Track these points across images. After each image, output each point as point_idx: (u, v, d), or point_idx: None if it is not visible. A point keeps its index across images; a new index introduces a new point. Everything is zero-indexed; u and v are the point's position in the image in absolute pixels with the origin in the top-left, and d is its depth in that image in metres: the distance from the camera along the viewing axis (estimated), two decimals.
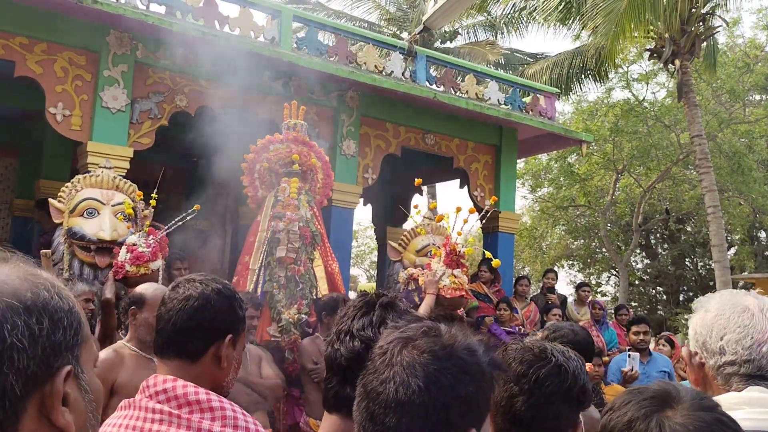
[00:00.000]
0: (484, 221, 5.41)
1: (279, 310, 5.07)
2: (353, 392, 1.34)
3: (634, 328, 6.03)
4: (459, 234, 5.21)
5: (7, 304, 0.82)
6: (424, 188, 11.18)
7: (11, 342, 0.80)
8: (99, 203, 5.55)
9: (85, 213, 5.47)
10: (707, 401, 1.10)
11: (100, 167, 5.95)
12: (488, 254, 5.63)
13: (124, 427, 1.63)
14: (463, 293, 5.16)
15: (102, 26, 6.28)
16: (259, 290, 5.17)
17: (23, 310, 0.83)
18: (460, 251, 5.13)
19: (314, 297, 5.33)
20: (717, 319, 1.54)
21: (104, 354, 3.04)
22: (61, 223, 5.49)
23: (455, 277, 5.05)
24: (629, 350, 6.00)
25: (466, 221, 5.20)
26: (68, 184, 5.68)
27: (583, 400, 1.48)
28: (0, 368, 0.79)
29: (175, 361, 1.71)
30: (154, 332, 2.92)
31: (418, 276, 5.50)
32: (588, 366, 2.55)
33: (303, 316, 5.10)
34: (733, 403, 1.43)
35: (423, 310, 4.26)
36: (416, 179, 6.26)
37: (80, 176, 5.76)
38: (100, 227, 5.41)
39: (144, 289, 3.12)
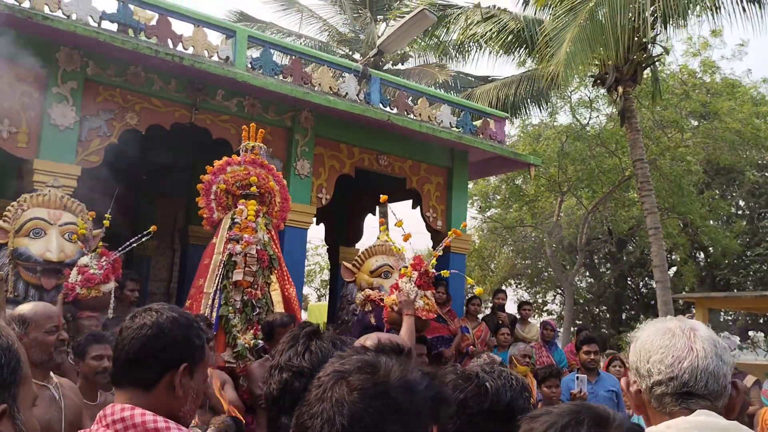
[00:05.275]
0: (448, 242, 5.34)
1: (234, 335, 4.92)
2: (288, 420, 1.36)
3: (584, 348, 6.16)
4: (436, 256, 5.18)
5: None
6: (377, 208, 11.23)
7: None
8: (46, 223, 5.41)
9: (31, 233, 5.32)
10: (636, 426, 1.13)
11: (47, 186, 5.79)
12: (445, 273, 5.60)
13: None
14: (434, 316, 5.14)
15: (52, 43, 6.16)
16: (213, 314, 5.01)
17: None
18: (431, 273, 5.11)
19: (265, 323, 5.19)
20: (644, 344, 1.62)
21: None
22: (5, 244, 5.32)
23: (427, 298, 5.01)
24: (578, 371, 6.12)
25: (448, 243, 5.17)
26: (14, 203, 5.51)
27: (511, 418, 1.47)
28: None
29: (129, 389, 1.69)
30: (49, 349, 2.86)
31: (376, 297, 5.48)
32: None
33: (259, 341, 4.93)
34: (684, 428, 1.48)
35: (404, 332, 4.21)
36: (381, 195, 6.13)
37: (26, 195, 5.60)
38: (46, 248, 5.27)
39: (22, 309, 2.95)
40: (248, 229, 5.15)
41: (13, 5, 5.73)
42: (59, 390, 2.92)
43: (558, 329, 9.91)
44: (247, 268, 5.04)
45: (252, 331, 4.96)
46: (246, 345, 4.85)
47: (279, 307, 5.33)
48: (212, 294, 5.08)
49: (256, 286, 5.11)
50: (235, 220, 5.24)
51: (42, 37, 6.06)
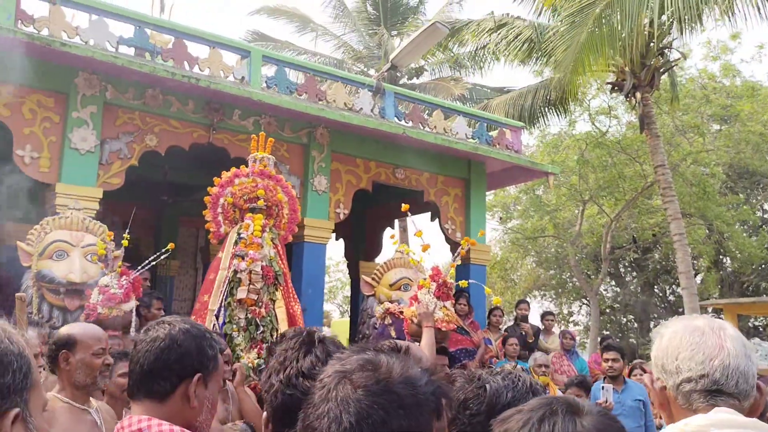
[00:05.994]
0: (466, 253, 5.26)
1: (238, 354, 4.81)
2: None
3: (604, 356, 6.07)
4: (453, 266, 5.13)
5: None
6: (396, 222, 11.26)
7: None
8: (68, 245, 5.50)
9: (54, 255, 5.41)
10: (610, 414, 1.12)
11: (69, 209, 5.89)
12: (463, 283, 5.51)
13: None
14: (455, 326, 5.08)
15: (70, 68, 6.29)
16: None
17: None
18: (449, 284, 5.05)
19: (275, 340, 5.01)
20: (671, 341, 1.61)
21: None
22: (29, 266, 5.42)
23: (447, 309, 4.95)
24: (604, 380, 6.02)
25: (463, 254, 5.10)
26: (37, 226, 5.61)
27: None
28: None
29: (145, 402, 1.72)
30: (94, 372, 2.82)
31: (396, 310, 5.45)
32: None
33: (263, 360, 4.76)
34: (702, 425, 1.47)
35: (424, 344, 4.18)
36: (403, 205, 6.07)
37: (49, 218, 5.70)
38: (69, 269, 5.35)
39: (70, 328, 2.90)
40: (254, 245, 5.06)
41: (32, 33, 5.87)
42: (99, 414, 2.89)
43: (584, 338, 9.78)
44: (251, 286, 4.95)
45: (256, 350, 4.86)
46: (249, 364, 4.72)
47: (283, 325, 5.24)
48: (216, 311, 4.99)
49: (260, 304, 5.02)
50: (241, 235, 5.16)
51: (61, 64, 6.19)
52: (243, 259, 5.02)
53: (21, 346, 0.92)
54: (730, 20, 10.67)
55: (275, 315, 5.21)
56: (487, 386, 1.51)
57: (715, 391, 1.53)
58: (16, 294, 3.47)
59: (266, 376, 1.53)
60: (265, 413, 1.50)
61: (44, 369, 3.69)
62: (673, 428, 1.53)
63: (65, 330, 2.87)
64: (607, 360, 5.97)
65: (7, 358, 0.88)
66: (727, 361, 1.54)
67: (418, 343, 4.23)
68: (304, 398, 1.38)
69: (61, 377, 2.81)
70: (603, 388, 5.61)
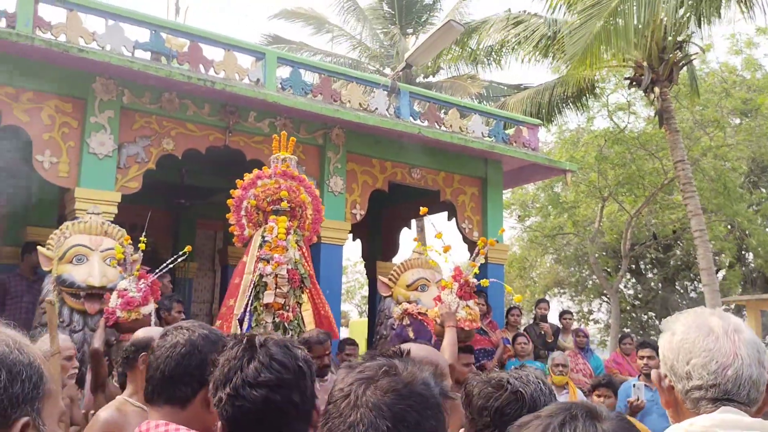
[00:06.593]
0: (483, 252, 5.21)
1: None
2: None
3: (639, 353, 5.98)
4: (473, 265, 5.11)
5: None
6: (413, 222, 11.22)
7: None
8: (88, 249, 5.54)
9: (74, 260, 5.46)
10: (628, 419, 1.11)
11: (88, 213, 5.94)
12: (485, 282, 5.43)
13: None
14: (478, 325, 5.06)
15: (88, 74, 6.35)
16: None
17: None
18: (471, 283, 5.03)
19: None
20: (683, 342, 1.55)
21: (107, 414, 2.70)
22: (50, 271, 5.47)
23: (470, 308, 4.93)
24: (639, 378, 5.93)
25: (483, 253, 5.08)
26: (56, 231, 5.67)
27: None
28: None
29: (165, 407, 1.74)
30: None
31: (414, 311, 5.42)
32: None
33: None
34: (707, 425, 1.44)
35: (446, 344, 4.16)
36: (422, 208, 6.02)
37: (68, 223, 5.75)
38: (89, 273, 5.39)
39: (148, 332, 2.88)
40: (279, 248, 5.02)
41: (50, 40, 5.94)
42: None
43: (605, 336, 9.67)
44: (278, 290, 4.91)
45: None
46: None
47: (310, 327, 5.19)
48: (240, 315, 4.95)
49: (287, 308, 4.97)
50: (266, 239, 5.11)
51: (78, 69, 6.25)
52: (268, 262, 4.97)
53: (32, 356, 0.93)
54: (749, 14, 10.53)
55: (302, 318, 5.18)
56: (522, 391, 1.51)
57: (725, 400, 1.49)
58: (47, 299, 3.49)
59: (213, 389, 1.48)
60: (219, 424, 1.49)
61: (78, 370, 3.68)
62: (678, 428, 1.50)
63: (145, 333, 2.86)
64: (642, 357, 5.87)
65: (15, 368, 0.89)
66: (741, 371, 1.49)
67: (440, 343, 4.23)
68: (254, 408, 1.37)
69: (135, 380, 2.78)
70: (635, 385, 5.53)
